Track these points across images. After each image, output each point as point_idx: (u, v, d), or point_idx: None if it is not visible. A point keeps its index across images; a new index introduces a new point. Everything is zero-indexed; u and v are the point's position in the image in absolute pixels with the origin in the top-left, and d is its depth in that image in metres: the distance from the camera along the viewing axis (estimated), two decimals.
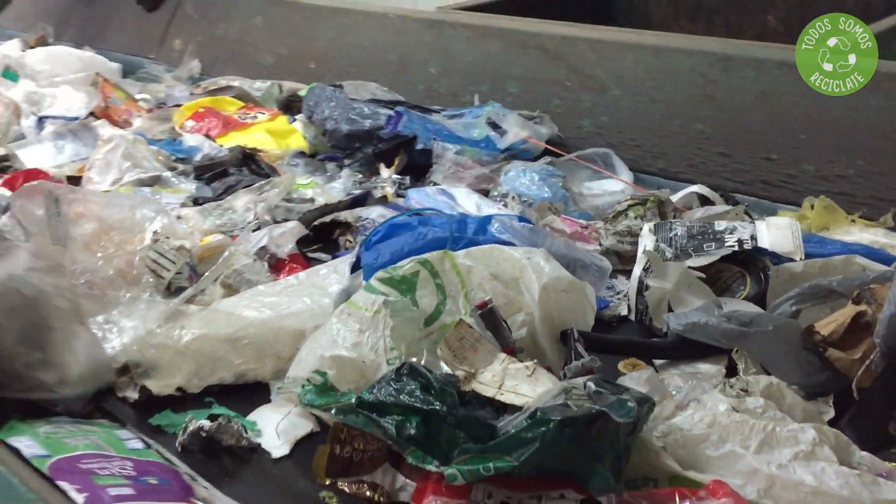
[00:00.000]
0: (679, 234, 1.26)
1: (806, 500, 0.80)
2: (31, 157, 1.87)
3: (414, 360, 0.96)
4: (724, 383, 0.95)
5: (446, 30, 2.19)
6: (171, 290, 1.34)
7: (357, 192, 1.67)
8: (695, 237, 1.25)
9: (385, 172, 1.78)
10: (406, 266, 1.11)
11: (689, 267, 1.25)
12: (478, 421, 0.86)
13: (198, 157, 1.85)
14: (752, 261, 1.30)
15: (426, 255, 1.13)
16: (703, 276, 1.26)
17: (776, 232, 1.21)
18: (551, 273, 1.11)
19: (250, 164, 1.81)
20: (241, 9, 2.67)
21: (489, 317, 1.05)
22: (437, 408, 0.86)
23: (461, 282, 1.12)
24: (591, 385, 0.87)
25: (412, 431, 0.86)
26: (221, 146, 1.91)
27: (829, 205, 1.51)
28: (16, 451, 0.91)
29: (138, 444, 1.00)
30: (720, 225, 1.26)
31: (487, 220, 1.34)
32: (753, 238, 1.22)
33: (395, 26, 2.30)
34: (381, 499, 0.92)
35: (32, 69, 2.39)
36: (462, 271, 1.12)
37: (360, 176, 1.78)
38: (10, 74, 2.24)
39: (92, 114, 2.06)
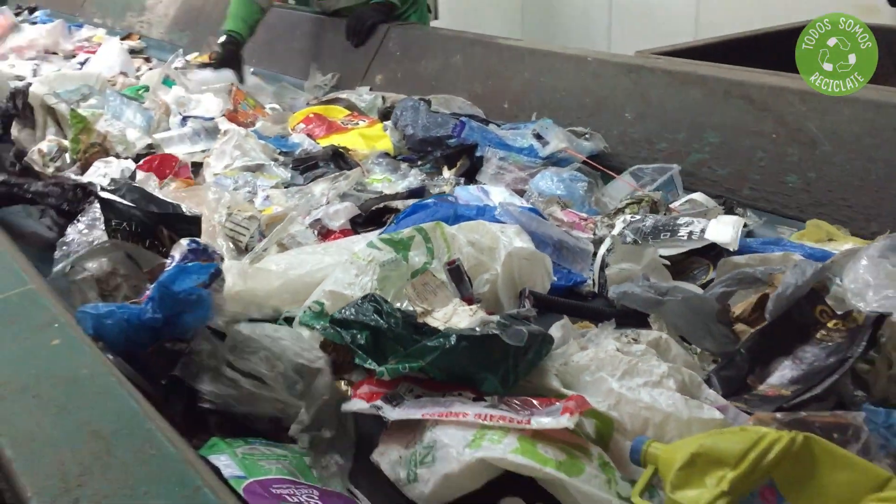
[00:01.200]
0: (647, 224, 1.47)
1: (640, 413, 1.01)
2: (172, 147, 2.31)
3: (377, 292, 1.24)
4: (620, 333, 1.17)
5: (645, 75, 2.12)
6: (248, 250, 1.70)
7: (414, 186, 1.97)
8: (657, 228, 1.45)
9: (446, 173, 2.07)
10: (405, 231, 1.40)
11: (660, 255, 1.47)
12: (410, 337, 1.14)
13: (297, 152, 2.22)
14: (719, 256, 1.49)
15: (423, 224, 1.41)
16: (668, 262, 1.47)
17: (719, 227, 1.40)
18: (518, 243, 1.37)
19: (338, 160, 2.16)
20: (441, 47, 2.72)
21: (455, 272, 1.32)
22: (382, 325, 1.14)
23: (447, 247, 1.39)
24: (499, 318, 1.12)
25: (362, 341, 1.14)
26: (318, 143, 2.27)
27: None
28: (215, 470, 0.93)
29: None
30: (681, 220, 1.46)
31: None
32: (703, 231, 1.41)
33: (593, 70, 2.25)
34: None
35: (191, 79, 2.87)
36: (448, 238, 1.40)
37: (425, 175, 2.08)
38: (168, 82, 2.73)
39: (224, 116, 2.49)
